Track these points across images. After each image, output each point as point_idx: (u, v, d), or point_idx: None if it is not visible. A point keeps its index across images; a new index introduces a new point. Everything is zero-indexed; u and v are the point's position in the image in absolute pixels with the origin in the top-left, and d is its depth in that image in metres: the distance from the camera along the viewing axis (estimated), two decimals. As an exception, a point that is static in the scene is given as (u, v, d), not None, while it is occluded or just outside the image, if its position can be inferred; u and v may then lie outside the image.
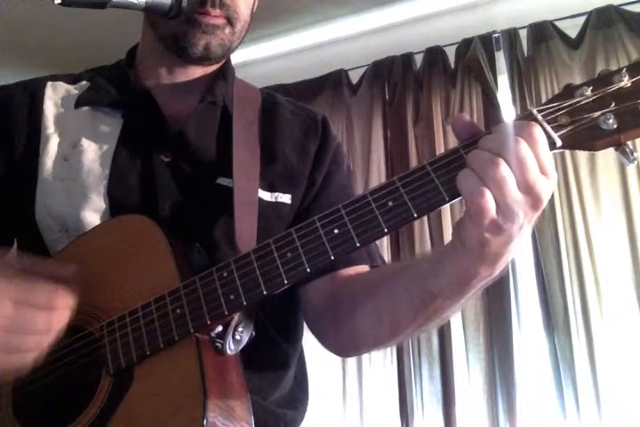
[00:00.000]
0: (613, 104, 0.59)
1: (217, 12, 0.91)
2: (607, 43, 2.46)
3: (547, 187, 0.61)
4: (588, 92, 0.61)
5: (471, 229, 0.63)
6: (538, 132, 0.61)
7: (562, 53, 2.54)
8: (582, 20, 2.53)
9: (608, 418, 2.18)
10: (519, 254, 2.45)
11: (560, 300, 2.33)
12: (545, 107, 0.62)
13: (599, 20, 2.48)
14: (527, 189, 0.61)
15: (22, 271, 0.73)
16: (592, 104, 0.61)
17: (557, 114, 0.61)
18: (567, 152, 2.41)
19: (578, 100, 0.61)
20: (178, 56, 0.96)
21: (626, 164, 0.59)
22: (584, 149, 0.61)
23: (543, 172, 0.61)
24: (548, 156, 0.61)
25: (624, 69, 0.60)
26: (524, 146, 0.60)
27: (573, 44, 2.54)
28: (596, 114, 0.60)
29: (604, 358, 2.22)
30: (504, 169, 0.60)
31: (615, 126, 0.59)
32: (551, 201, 2.41)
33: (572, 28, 2.55)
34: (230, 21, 0.93)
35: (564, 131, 0.61)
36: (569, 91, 0.62)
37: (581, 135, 0.61)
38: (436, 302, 0.74)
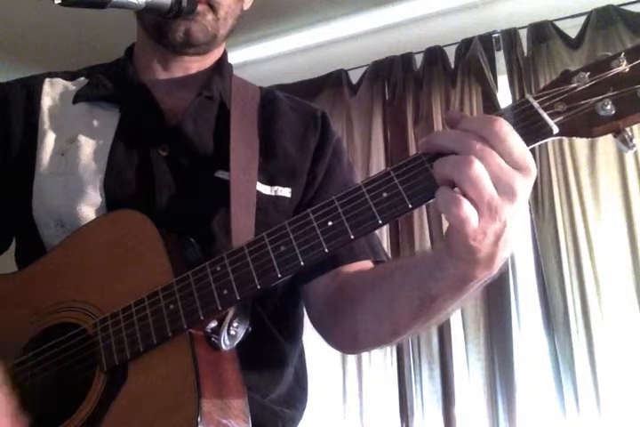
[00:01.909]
0: (611, 90, 0.58)
1: None
2: (607, 43, 2.45)
3: (520, 181, 0.59)
4: (586, 77, 0.60)
5: (457, 241, 0.62)
6: (497, 126, 0.59)
7: (562, 53, 2.53)
8: (582, 20, 2.52)
9: (608, 418, 2.17)
10: (519, 254, 2.44)
11: (560, 300, 2.32)
12: (541, 93, 0.61)
13: (599, 20, 2.47)
14: (502, 186, 0.59)
15: None
16: (589, 90, 0.59)
17: (554, 100, 0.60)
18: (567, 152, 2.41)
19: (575, 86, 0.60)
20: (162, 45, 0.96)
21: (624, 150, 0.58)
22: (582, 136, 0.60)
23: (514, 165, 0.60)
24: (517, 147, 0.59)
25: (622, 54, 0.59)
26: (493, 141, 0.59)
27: (573, 44, 2.53)
28: (594, 100, 0.59)
29: (603, 358, 2.21)
30: (477, 166, 0.58)
31: (613, 112, 0.58)
32: (551, 201, 2.41)
33: (571, 28, 2.54)
34: (212, 7, 0.93)
35: (560, 118, 0.60)
36: (566, 77, 0.61)
37: (579, 122, 0.60)
38: (435, 303, 0.74)
